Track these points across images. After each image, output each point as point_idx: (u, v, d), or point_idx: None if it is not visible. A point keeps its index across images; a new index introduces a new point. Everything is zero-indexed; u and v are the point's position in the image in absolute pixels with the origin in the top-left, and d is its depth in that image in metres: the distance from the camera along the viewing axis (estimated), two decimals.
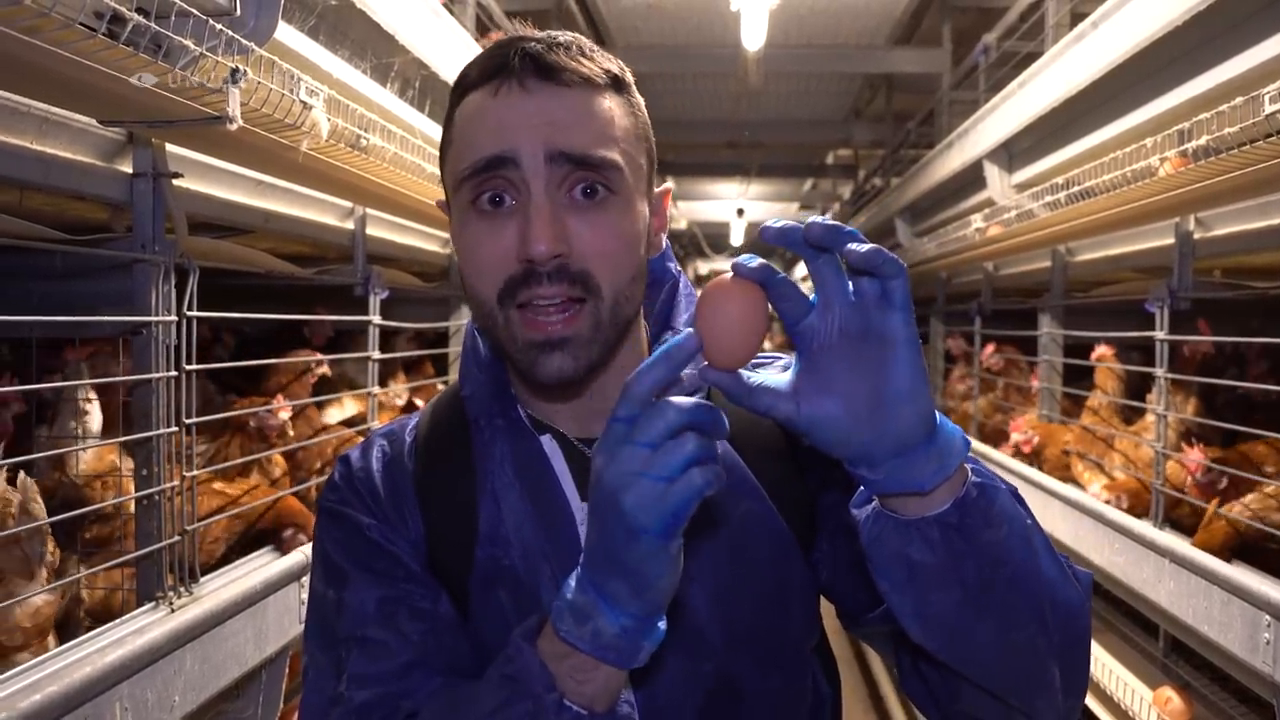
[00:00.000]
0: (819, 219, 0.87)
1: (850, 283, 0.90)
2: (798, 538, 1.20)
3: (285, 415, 3.14)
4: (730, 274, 0.92)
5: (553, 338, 1.07)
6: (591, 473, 0.92)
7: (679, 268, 1.31)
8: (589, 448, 1.16)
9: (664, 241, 1.25)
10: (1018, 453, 4.70)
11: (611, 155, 1.09)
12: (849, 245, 0.86)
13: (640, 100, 1.18)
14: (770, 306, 0.92)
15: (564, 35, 1.14)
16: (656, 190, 1.20)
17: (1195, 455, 3.14)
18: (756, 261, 0.90)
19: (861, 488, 1.00)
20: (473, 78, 1.12)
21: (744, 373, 0.94)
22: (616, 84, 1.14)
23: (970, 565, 0.94)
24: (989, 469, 1.02)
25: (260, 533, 2.84)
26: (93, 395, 2.46)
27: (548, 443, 1.19)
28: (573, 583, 0.95)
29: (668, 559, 0.91)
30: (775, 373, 0.95)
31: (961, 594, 0.95)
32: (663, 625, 0.96)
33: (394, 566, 1.17)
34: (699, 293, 0.95)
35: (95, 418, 2.47)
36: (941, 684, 1.07)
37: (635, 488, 0.87)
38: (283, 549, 2.79)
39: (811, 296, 0.92)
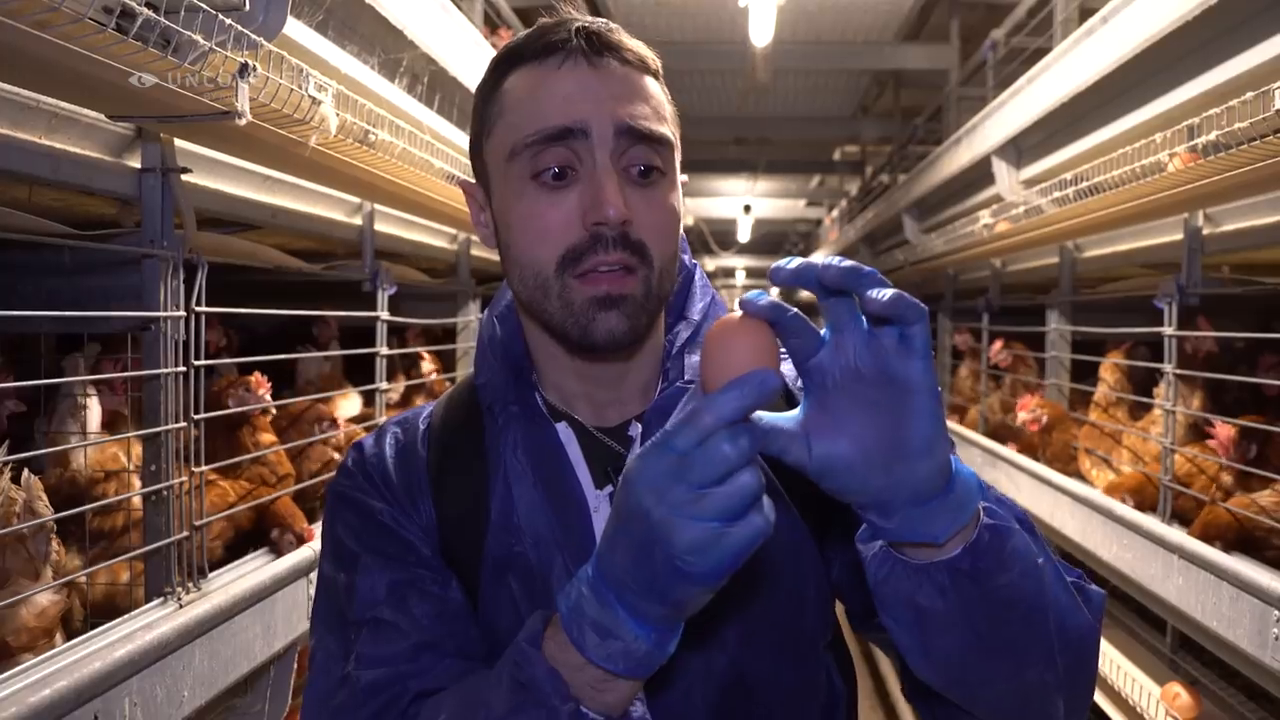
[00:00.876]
0: (835, 260, 0.85)
1: (867, 324, 0.87)
2: (812, 532, 1.19)
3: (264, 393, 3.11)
4: (738, 312, 0.89)
5: (612, 294, 1.08)
6: (627, 495, 0.87)
7: (694, 260, 1.32)
8: (606, 436, 1.19)
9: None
10: (1024, 441, 4.70)
11: (668, 134, 1.12)
12: (870, 292, 0.83)
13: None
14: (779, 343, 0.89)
15: (604, 20, 1.16)
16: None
17: (1222, 430, 3.13)
18: (765, 299, 0.87)
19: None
20: (524, 53, 1.13)
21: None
22: (655, 69, 1.17)
23: (980, 609, 0.92)
24: (999, 494, 1.01)
25: (252, 534, 2.84)
26: (91, 391, 2.46)
27: (563, 430, 1.20)
28: (588, 592, 0.92)
29: (710, 589, 0.89)
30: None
31: (970, 638, 0.93)
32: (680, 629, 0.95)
33: (405, 551, 1.17)
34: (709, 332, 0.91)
35: (94, 414, 2.47)
36: (944, 711, 1.06)
37: (689, 530, 0.83)
38: (278, 551, 2.78)
39: (823, 331, 0.90)
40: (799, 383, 0.95)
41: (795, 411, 0.92)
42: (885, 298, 0.82)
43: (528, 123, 1.10)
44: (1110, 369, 4.09)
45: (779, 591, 1.16)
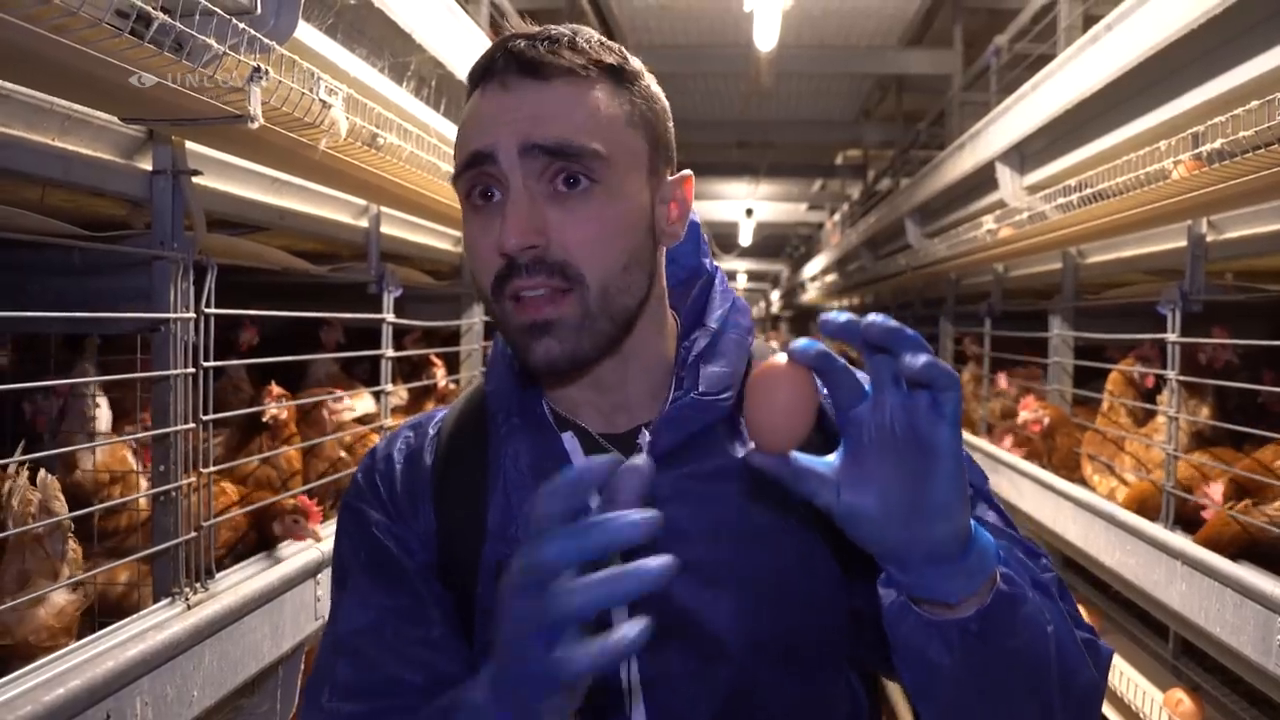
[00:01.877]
0: (879, 319, 0.86)
1: (904, 385, 0.89)
2: (832, 548, 1.17)
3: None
4: (784, 356, 0.91)
5: (538, 321, 1.08)
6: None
7: (715, 263, 1.30)
8: (613, 443, 1.18)
9: (692, 233, 1.26)
10: (1026, 435, 4.71)
11: (591, 144, 1.08)
12: (905, 356, 0.85)
13: (647, 86, 1.18)
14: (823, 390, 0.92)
15: (560, 29, 1.14)
16: (673, 177, 1.20)
17: (1216, 490, 3.13)
18: (815, 348, 0.89)
19: None
20: (472, 80, 1.15)
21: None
22: (611, 72, 1.13)
23: (986, 668, 0.94)
24: (1031, 546, 1.04)
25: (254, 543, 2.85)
26: (98, 395, 2.47)
27: (568, 439, 1.19)
28: (483, 684, 0.91)
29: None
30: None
31: (974, 693, 0.96)
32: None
33: (396, 576, 1.18)
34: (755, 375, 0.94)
35: (104, 417, 2.47)
36: None
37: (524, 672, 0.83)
38: (287, 535, 2.79)
39: (867, 385, 0.92)
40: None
41: (832, 457, 0.94)
42: (919, 363, 0.84)
43: (459, 152, 1.13)
44: (1115, 380, 4.10)
45: (787, 603, 1.15)
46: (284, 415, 3.13)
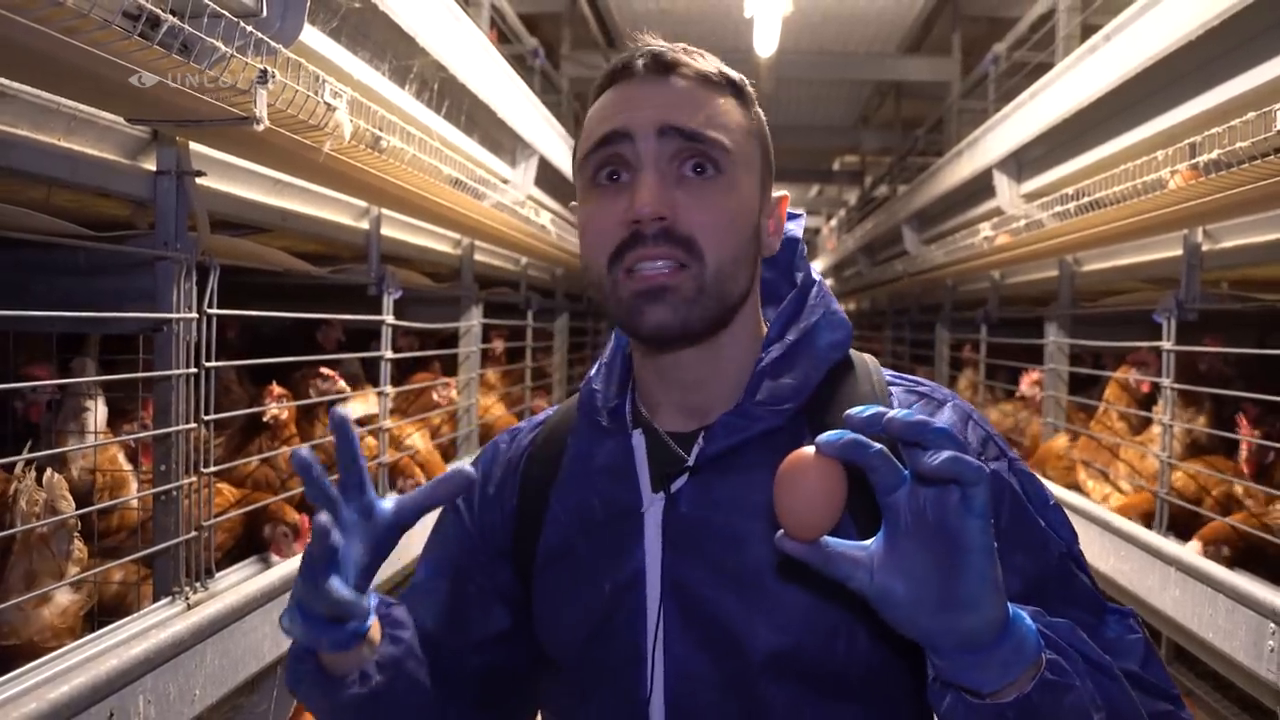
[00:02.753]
0: (900, 415, 0.87)
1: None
2: None
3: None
4: (811, 448, 0.92)
5: (654, 286, 1.11)
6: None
7: (812, 275, 1.30)
8: (678, 442, 1.21)
9: (790, 247, 1.30)
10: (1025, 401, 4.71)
11: (719, 136, 1.15)
12: (927, 455, 0.86)
13: (761, 114, 1.25)
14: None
15: (693, 48, 1.22)
16: (774, 195, 1.25)
17: (1246, 430, 3.16)
18: (842, 440, 0.89)
19: None
20: (601, 83, 1.22)
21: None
22: (734, 88, 1.21)
23: None
24: (1082, 637, 1.01)
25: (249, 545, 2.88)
26: (94, 394, 2.47)
27: (636, 436, 1.24)
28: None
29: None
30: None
31: None
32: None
33: (459, 543, 1.34)
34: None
35: (97, 416, 2.47)
36: None
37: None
38: (274, 548, 2.82)
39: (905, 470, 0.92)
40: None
41: (870, 541, 0.94)
42: (938, 461, 0.85)
43: (587, 136, 1.19)
44: (1113, 388, 4.11)
45: (819, 622, 1.14)
46: (284, 415, 3.14)
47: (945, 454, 0.85)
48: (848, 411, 0.90)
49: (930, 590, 0.90)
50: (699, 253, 1.12)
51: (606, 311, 1.19)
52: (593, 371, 1.33)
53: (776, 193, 1.26)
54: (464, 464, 1.04)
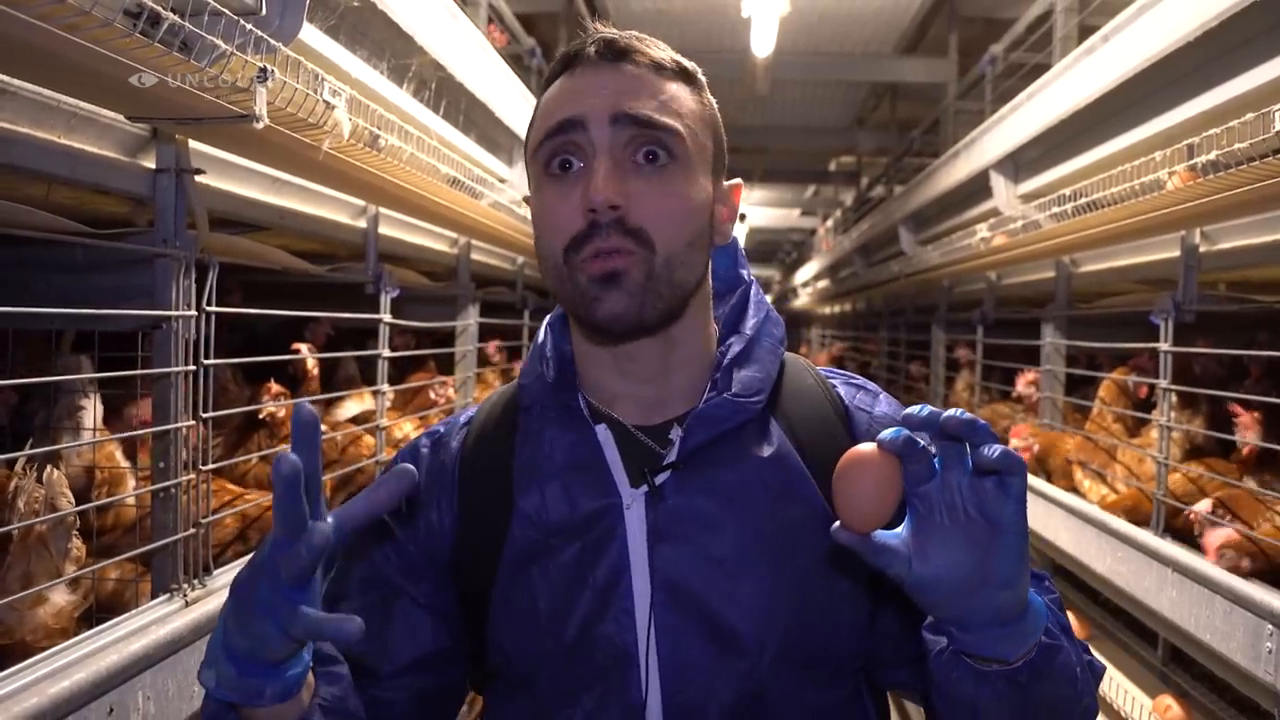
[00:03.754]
0: (957, 413, 0.94)
1: (972, 467, 0.96)
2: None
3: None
4: (873, 444, 0.98)
5: (609, 271, 1.12)
6: None
7: (751, 274, 1.36)
8: (646, 436, 1.22)
9: (731, 245, 1.32)
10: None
11: (673, 123, 1.15)
12: (982, 448, 0.94)
13: (712, 100, 1.25)
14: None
15: (648, 37, 1.22)
16: (727, 183, 1.26)
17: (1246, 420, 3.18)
18: (903, 437, 0.96)
19: None
20: (556, 69, 1.21)
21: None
22: (685, 75, 1.21)
23: (1025, 711, 1.02)
24: (1048, 602, 1.09)
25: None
26: (90, 392, 2.47)
27: (601, 431, 1.23)
28: None
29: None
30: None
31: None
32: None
33: (369, 552, 1.26)
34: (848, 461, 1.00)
35: (90, 415, 2.47)
36: None
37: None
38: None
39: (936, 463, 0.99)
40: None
41: (901, 530, 1.01)
42: (995, 454, 0.93)
43: (540, 124, 1.19)
44: (1108, 388, 4.12)
45: (807, 606, 1.18)
46: (281, 413, 3.14)
47: (998, 448, 0.93)
48: (906, 411, 0.96)
49: (969, 573, 0.97)
50: (649, 241, 1.13)
51: (562, 303, 1.20)
52: (527, 365, 1.31)
53: (730, 181, 1.27)
54: (404, 464, 0.98)
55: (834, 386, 1.32)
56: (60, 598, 1.98)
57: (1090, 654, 1.15)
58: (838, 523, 0.98)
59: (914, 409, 0.96)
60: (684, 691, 1.14)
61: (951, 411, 0.94)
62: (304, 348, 3.38)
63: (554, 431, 1.25)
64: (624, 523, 1.17)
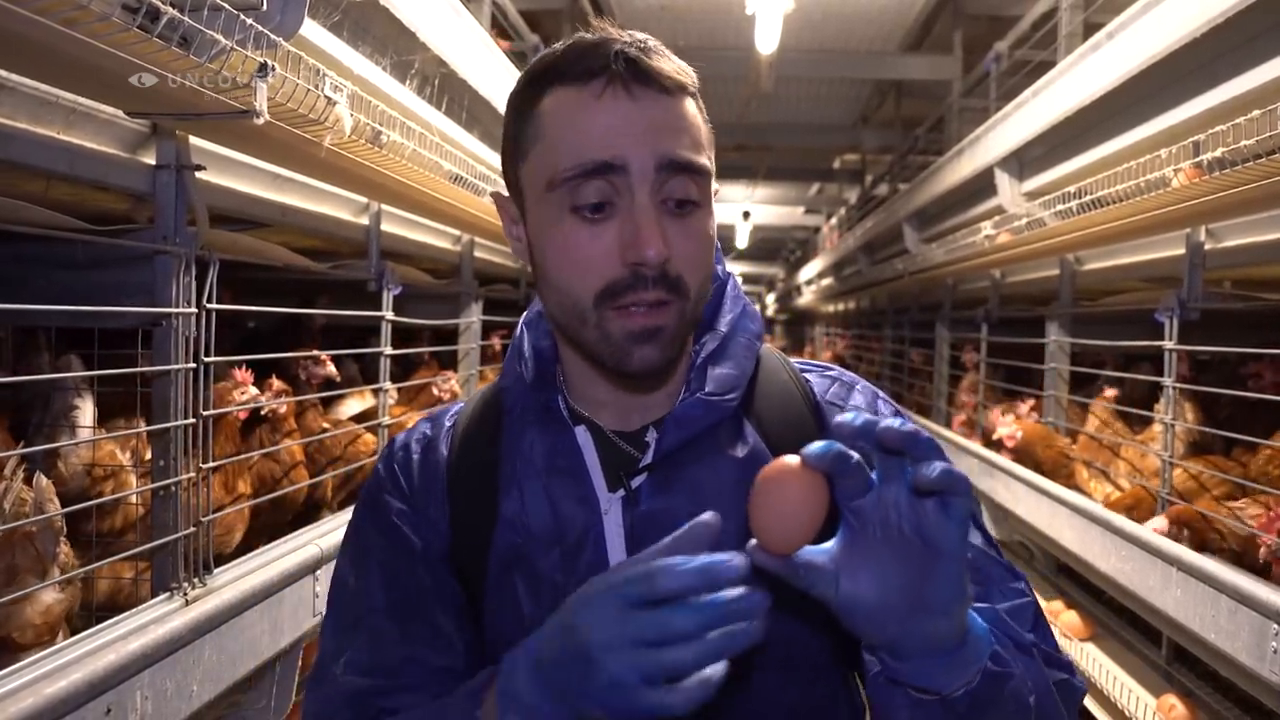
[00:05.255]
0: (894, 424, 0.86)
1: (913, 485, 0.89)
2: None
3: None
4: (798, 457, 0.90)
5: (648, 327, 1.10)
6: (572, 614, 0.91)
7: (726, 269, 1.33)
8: (623, 440, 1.21)
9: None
10: (1003, 448, 4.73)
11: (705, 163, 1.13)
12: (923, 466, 0.85)
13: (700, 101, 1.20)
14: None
15: (643, 36, 1.14)
16: None
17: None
18: (832, 452, 0.88)
19: None
20: (563, 74, 1.12)
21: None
22: (693, 89, 1.17)
23: None
24: (1004, 618, 1.04)
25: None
26: (85, 391, 2.45)
27: (581, 434, 1.21)
28: (524, 677, 0.95)
29: None
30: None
31: None
32: None
33: (415, 562, 1.21)
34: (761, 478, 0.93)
35: (86, 413, 2.45)
36: None
37: (616, 671, 0.86)
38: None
39: (873, 475, 0.92)
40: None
41: (830, 544, 0.94)
42: (935, 473, 0.84)
43: (567, 155, 1.09)
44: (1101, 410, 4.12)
45: (786, 606, 1.13)
46: (283, 410, 3.13)
47: (940, 466, 0.85)
48: (837, 419, 0.89)
49: (901, 596, 0.91)
50: (685, 290, 1.11)
51: (585, 346, 1.16)
52: (506, 365, 1.30)
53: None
54: (705, 516, 0.92)
55: (807, 380, 1.29)
56: (48, 595, 1.97)
57: (1071, 673, 1.10)
58: (754, 541, 0.91)
59: (846, 417, 0.88)
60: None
61: (890, 422, 0.86)
62: (326, 359, 3.39)
63: (534, 433, 1.24)
64: (603, 527, 1.17)
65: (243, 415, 3.03)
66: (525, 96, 1.16)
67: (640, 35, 1.14)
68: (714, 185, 1.18)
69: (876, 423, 0.87)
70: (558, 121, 1.11)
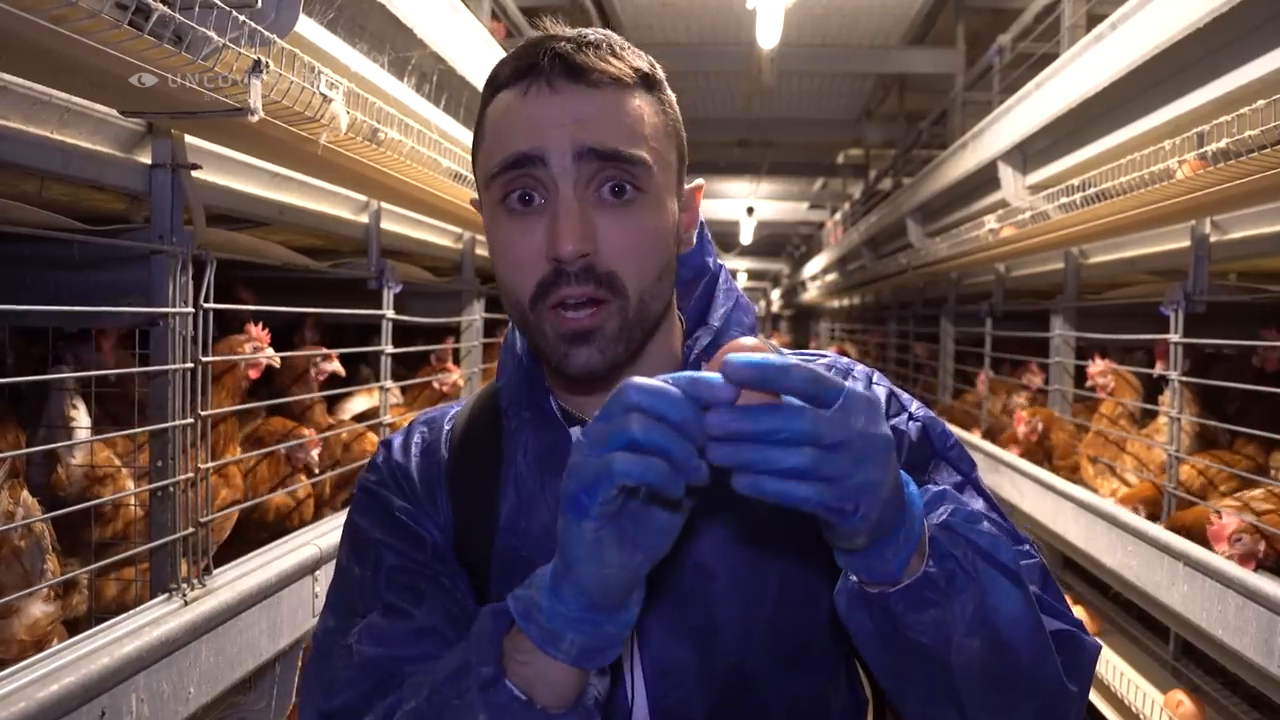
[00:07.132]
0: (740, 360, 0.83)
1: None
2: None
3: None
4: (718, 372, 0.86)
5: (580, 330, 1.08)
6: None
7: (719, 261, 1.30)
8: None
9: (696, 237, 1.25)
10: (1027, 444, 4.71)
11: (640, 153, 1.08)
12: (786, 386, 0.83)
13: (671, 97, 1.18)
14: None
15: (594, 33, 1.13)
16: (688, 186, 1.21)
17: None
18: (754, 360, 0.84)
19: None
20: (503, 77, 1.13)
21: None
22: (646, 81, 1.14)
23: (908, 654, 0.97)
24: (972, 532, 1.01)
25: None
26: (78, 393, 2.44)
27: (576, 434, 1.20)
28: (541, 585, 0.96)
29: (583, 541, 0.89)
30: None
31: (896, 663, 1.00)
32: (611, 630, 0.94)
33: (420, 548, 1.19)
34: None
35: (81, 417, 2.43)
36: None
37: (572, 462, 0.88)
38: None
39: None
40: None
41: None
42: (801, 380, 0.84)
43: (496, 151, 1.10)
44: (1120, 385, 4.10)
45: (787, 599, 1.16)
46: (276, 362, 3.09)
47: (807, 371, 0.84)
48: (726, 357, 0.85)
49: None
50: (620, 288, 1.08)
51: (531, 343, 1.16)
52: (501, 366, 1.28)
53: (691, 184, 1.22)
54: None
55: None
56: (36, 609, 1.95)
57: (1081, 631, 1.08)
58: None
59: (737, 356, 0.84)
60: (670, 693, 1.13)
61: (736, 359, 0.83)
62: (333, 356, 3.38)
63: (529, 434, 1.23)
64: None
65: (253, 374, 3.01)
66: (482, 103, 1.16)
67: (593, 33, 1.13)
68: (676, 182, 1.16)
69: (773, 363, 0.84)
70: (493, 122, 1.13)
